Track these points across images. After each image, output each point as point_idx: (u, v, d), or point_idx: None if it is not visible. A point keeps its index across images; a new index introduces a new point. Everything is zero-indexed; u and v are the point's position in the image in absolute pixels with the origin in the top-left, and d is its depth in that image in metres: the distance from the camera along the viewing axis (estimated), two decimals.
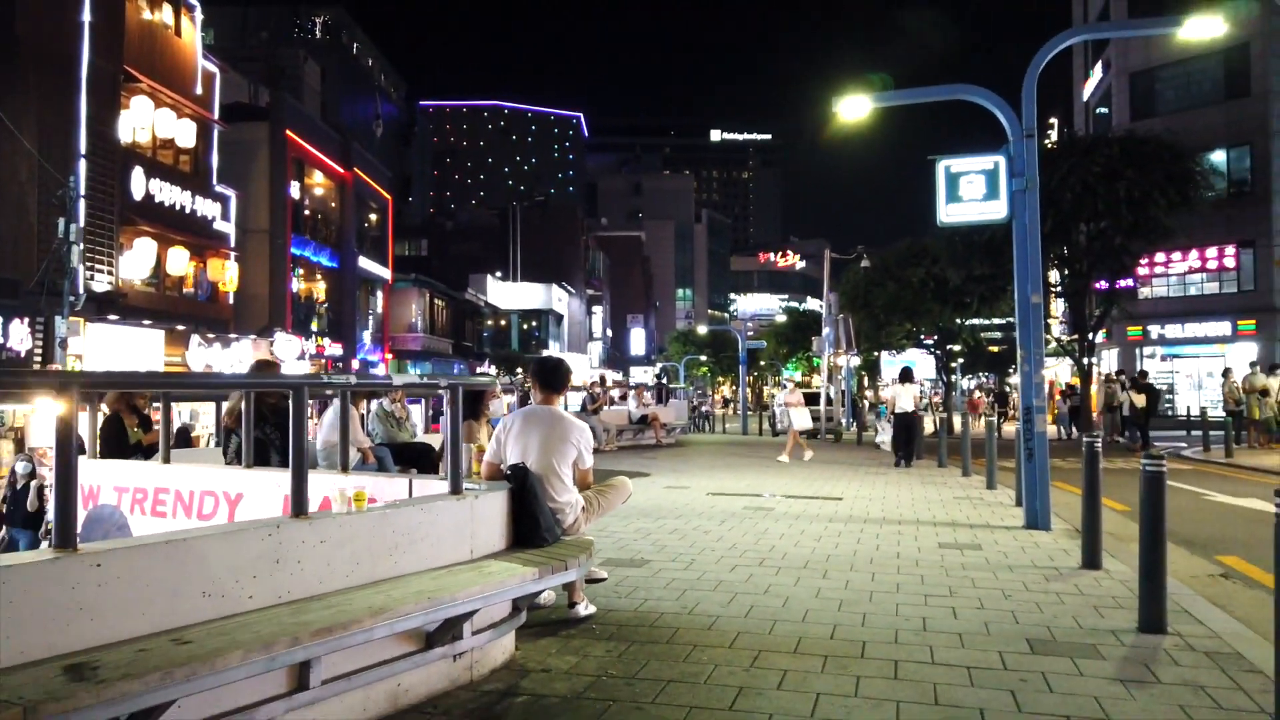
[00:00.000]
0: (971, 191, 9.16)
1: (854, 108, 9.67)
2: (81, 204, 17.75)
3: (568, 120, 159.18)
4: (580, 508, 5.16)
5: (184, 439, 8.29)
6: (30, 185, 17.76)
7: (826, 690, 4.17)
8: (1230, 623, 5.44)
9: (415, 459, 8.60)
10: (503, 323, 55.21)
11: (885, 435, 17.56)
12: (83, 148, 18.50)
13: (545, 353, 56.29)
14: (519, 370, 45.78)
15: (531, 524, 4.60)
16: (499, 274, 55.39)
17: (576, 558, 4.48)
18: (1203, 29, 8.80)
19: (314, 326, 27.88)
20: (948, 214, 9.36)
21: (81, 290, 17.33)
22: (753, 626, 5.25)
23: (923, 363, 54.78)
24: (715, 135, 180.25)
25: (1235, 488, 13.23)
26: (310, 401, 7.83)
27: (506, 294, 55.07)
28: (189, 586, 3.12)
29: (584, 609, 5.32)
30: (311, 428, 7.57)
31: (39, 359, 16.28)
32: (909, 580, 6.54)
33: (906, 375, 17.33)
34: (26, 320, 16.08)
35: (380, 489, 4.86)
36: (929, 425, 22.87)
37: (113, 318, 18.75)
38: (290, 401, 3.80)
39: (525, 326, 56.69)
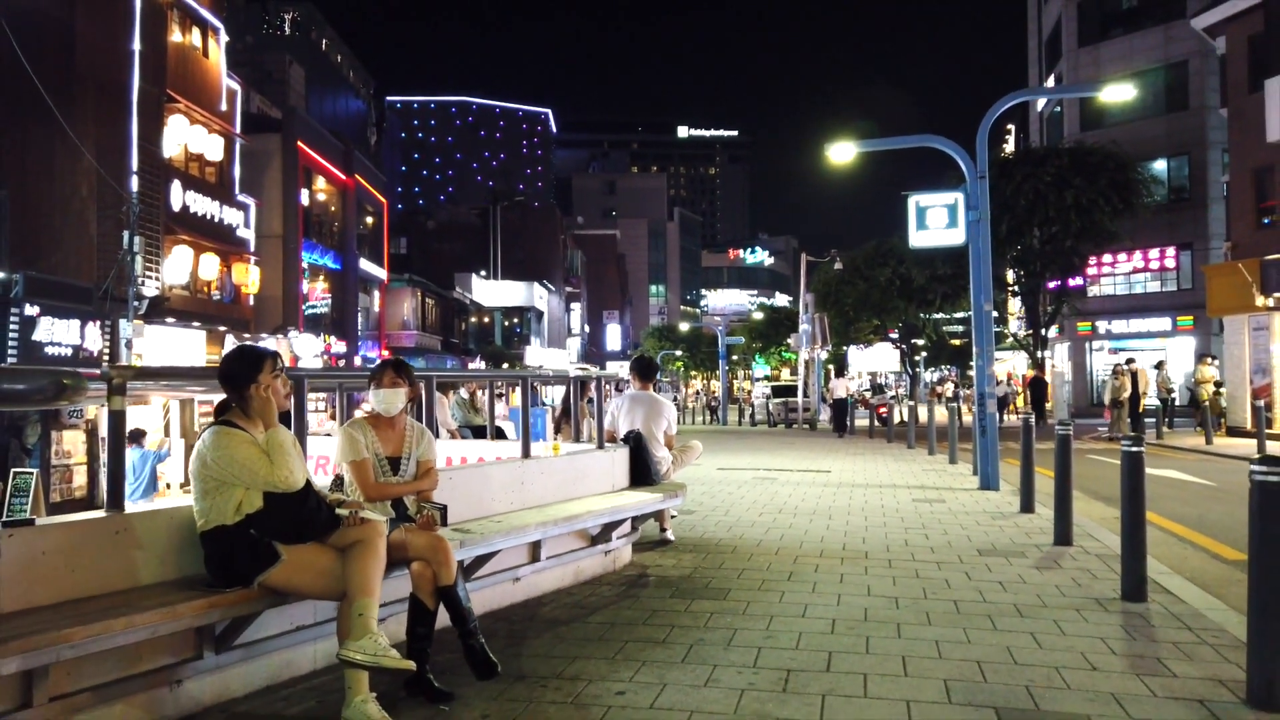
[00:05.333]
0: (936, 221, 11.46)
1: (840, 153, 11.95)
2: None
3: (536, 116, 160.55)
4: (670, 461, 7.39)
5: None
6: (90, 200, 19.60)
7: (848, 573, 6.41)
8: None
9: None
10: (486, 320, 57.02)
11: (824, 415, 20.53)
12: (134, 165, 20.33)
13: (527, 349, 58.31)
14: (505, 364, 47.81)
15: (645, 470, 6.80)
16: (483, 273, 57.17)
17: (681, 491, 6.70)
18: (1118, 93, 11.15)
19: (294, 329, 29.45)
20: (917, 239, 11.67)
21: (137, 297, 19.20)
22: (787, 545, 7.49)
23: (888, 356, 57.45)
24: (683, 131, 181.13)
25: (1155, 462, 15.66)
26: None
27: (490, 292, 56.86)
28: (484, 494, 5.29)
29: (669, 534, 7.52)
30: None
31: (107, 359, 18.16)
32: (892, 520, 8.82)
33: (840, 371, 20.78)
34: (97, 324, 17.95)
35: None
36: (897, 415, 25.28)
37: (170, 320, 20.63)
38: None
39: (508, 323, 58.55)
